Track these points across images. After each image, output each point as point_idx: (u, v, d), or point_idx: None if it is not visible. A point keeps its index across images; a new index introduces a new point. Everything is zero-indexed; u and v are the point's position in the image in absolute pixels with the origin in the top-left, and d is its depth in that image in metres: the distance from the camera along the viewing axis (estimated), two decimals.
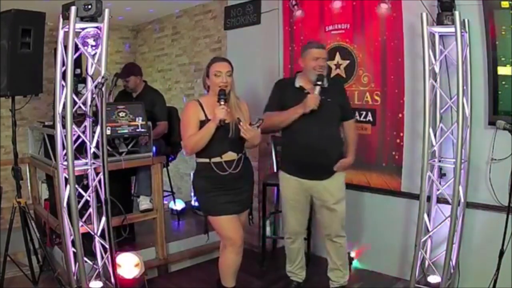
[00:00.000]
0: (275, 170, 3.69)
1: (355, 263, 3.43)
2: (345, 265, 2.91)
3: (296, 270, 2.99)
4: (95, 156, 2.71)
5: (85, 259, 2.62)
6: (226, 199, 2.48)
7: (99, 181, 2.65)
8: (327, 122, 2.68)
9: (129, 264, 2.93)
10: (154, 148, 3.38)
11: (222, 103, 2.38)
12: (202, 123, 2.45)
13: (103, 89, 2.44)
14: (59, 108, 2.53)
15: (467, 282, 2.81)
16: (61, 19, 2.54)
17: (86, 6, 2.46)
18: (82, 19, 2.50)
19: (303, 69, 2.76)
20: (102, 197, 2.65)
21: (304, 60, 2.74)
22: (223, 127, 2.41)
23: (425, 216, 2.81)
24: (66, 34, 2.50)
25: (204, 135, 2.41)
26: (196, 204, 4.11)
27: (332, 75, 3.48)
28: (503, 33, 2.59)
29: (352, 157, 2.80)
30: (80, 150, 2.71)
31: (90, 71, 2.69)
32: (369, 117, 3.32)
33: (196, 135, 2.43)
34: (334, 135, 2.75)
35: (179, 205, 4.31)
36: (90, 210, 2.72)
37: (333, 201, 2.74)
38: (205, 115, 2.46)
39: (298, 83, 2.75)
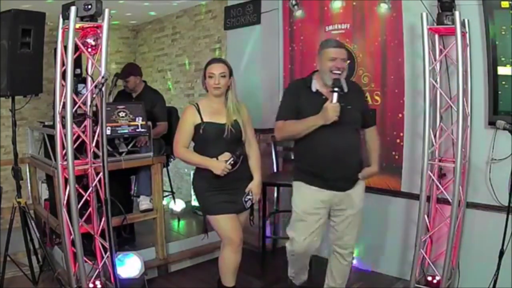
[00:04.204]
0: (275, 170, 3.70)
1: (355, 263, 3.44)
2: (344, 285, 2.72)
3: (299, 273, 2.87)
4: (95, 156, 2.71)
5: (85, 259, 2.62)
6: (224, 199, 2.49)
7: (99, 181, 2.65)
8: (348, 130, 2.42)
9: (129, 264, 2.94)
10: None
11: (229, 167, 2.41)
12: (197, 127, 2.47)
13: (103, 89, 2.45)
14: (59, 108, 2.54)
15: (467, 282, 2.81)
16: (61, 19, 2.54)
17: (86, 6, 2.47)
18: (82, 19, 2.50)
19: (319, 70, 2.47)
20: (102, 197, 2.65)
21: (320, 60, 2.44)
22: (220, 129, 2.45)
23: (425, 216, 2.81)
24: (66, 34, 2.50)
25: (197, 163, 2.50)
26: (196, 204, 4.11)
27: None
28: (503, 33, 2.59)
29: (377, 166, 2.58)
30: (80, 150, 2.71)
31: (90, 71, 2.69)
32: None
33: (191, 154, 2.51)
34: (355, 144, 2.50)
35: (179, 204, 4.31)
36: (90, 210, 2.72)
37: (353, 212, 2.52)
38: (201, 118, 2.47)
39: (315, 86, 2.47)
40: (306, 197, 2.50)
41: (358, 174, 2.51)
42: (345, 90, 2.37)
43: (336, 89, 2.28)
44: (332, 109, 2.27)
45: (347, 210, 2.51)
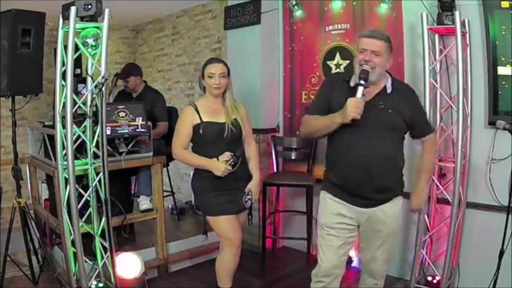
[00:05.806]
0: (275, 170, 3.70)
1: (355, 263, 3.44)
2: None
3: None
4: (95, 156, 2.71)
5: (85, 259, 2.62)
6: (224, 199, 2.48)
7: (99, 181, 2.65)
8: (381, 136, 2.03)
9: (129, 264, 2.94)
10: None
11: (230, 168, 2.41)
12: (197, 127, 2.47)
13: (103, 89, 2.45)
14: (59, 108, 2.54)
15: (467, 282, 2.81)
16: (61, 19, 2.54)
17: (86, 6, 2.47)
18: (82, 19, 2.50)
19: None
20: (102, 197, 2.65)
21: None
22: (220, 128, 2.45)
23: (425, 216, 2.81)
24: (66, 34, 2.50)
25: (196, 164, 2.51)
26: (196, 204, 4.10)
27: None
28: (503, 33, 2.59)
29: (425, 184, 2.21)
30: (80, 150, 2.71)
31: (90, 71, 2.69)
32: None
33: (190, 155, 2.51)
34: (391, 153, 2.07)
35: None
36: (90, 210, 2.72)
37: (385, 232, 2.15)
38: (200, 118, 2.47)
39: (354, 81, 2.06)
40: (329, 210, 2.16)
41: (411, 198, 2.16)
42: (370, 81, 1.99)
43: (362, 82, 1.93)
44: (352, 104, 1.91)
45: (378, 229, 2.15)
